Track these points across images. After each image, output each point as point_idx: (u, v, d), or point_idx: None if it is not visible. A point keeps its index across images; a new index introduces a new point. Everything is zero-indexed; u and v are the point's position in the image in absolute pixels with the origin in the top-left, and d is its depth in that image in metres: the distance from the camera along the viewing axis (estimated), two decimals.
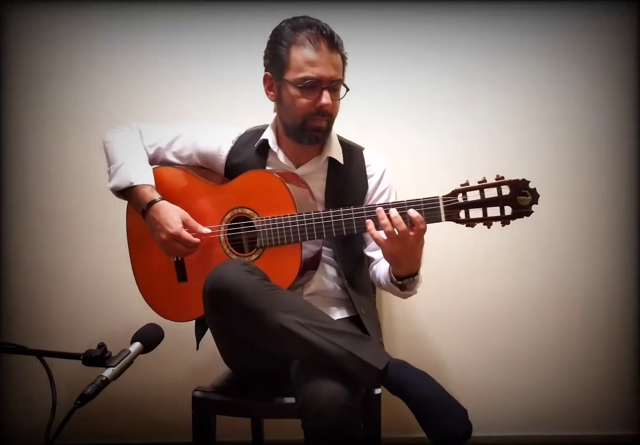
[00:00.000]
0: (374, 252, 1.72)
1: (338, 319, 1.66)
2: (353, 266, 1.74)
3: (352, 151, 1.78)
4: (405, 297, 1.69)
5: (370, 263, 1.76)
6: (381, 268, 1.68)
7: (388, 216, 1.46)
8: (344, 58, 1.65)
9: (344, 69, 1.66)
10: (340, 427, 1.33)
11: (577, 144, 2.21)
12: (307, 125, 1.65)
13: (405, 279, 1.56)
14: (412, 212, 1.45)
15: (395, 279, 1.58)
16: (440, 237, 2.16)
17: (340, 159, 1.74)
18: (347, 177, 1.74)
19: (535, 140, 2.20)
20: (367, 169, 1.77)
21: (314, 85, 1.61)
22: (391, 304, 2.19)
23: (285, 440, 2.03)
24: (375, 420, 1.59)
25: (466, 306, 2.23)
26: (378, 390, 1.57)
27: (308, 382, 1.39)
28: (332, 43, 1.60)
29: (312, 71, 1.60)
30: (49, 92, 2.24)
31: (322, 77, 1.60)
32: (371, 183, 1.76)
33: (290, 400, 1.52)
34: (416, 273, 1.57)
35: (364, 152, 1.81)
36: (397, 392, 1.39)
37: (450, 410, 1.35)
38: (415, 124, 2.22)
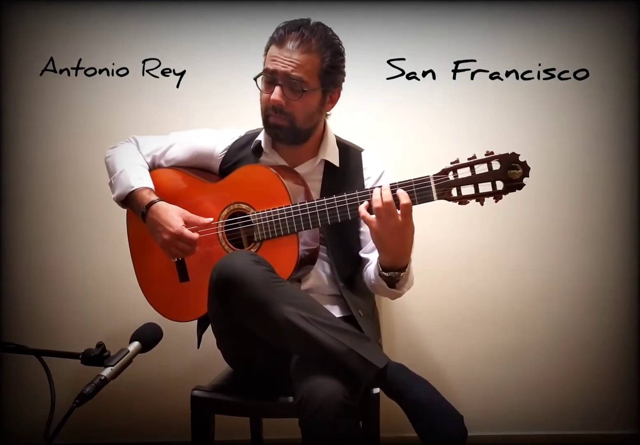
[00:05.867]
0: (369, 254, 1.71)
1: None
2: (349, 267, 1.73)
3: (349, 153, 1.78)
4: (393, 296, 1.67)
5: (365, 264, 1.74)
6: (372, 266, 1.66)
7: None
8: (321, 63, 1.61)
9: (322, 74, 1.62)
10: (337, 424, 1.33)
11: (575, 138, 2.20)
12: (268, 121, 1.67)
13: (391, 271, 1.56)
14: (399, 190, 1.46)
15: (381, 270, 1.57)
16: (440, 238, 2.20)
17: (336, 162, 1.74)
18: (343, 179, 1.73)
19: (531, 135, 2.19)
20: (364, 171, 1.76)
21: (270, 80, 1.63)
22: (390, 307, 2.19)
23: (284, 440, 2.02)
24: (374, 420, 1.59)
25: (466, 307, 2.23)
26: (377, 390, 1.57)
27: (306, 380, 1.38)
28: (303, 42, 1.59)
29: (271, 65, 1.62)
30: (53, 93, 2.23)
31: (277, 72, 1.60)
32: (368, 185, 1.74)
33: (289, 399, 1.52)
34: (403, 268, 1.56)
35: (363, 153, 1.80)
36: (393, 395, 1.38)
37: (446, 415, 1.34)
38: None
